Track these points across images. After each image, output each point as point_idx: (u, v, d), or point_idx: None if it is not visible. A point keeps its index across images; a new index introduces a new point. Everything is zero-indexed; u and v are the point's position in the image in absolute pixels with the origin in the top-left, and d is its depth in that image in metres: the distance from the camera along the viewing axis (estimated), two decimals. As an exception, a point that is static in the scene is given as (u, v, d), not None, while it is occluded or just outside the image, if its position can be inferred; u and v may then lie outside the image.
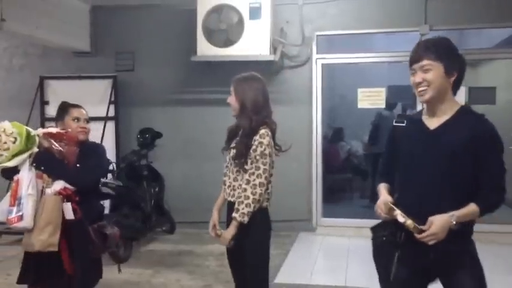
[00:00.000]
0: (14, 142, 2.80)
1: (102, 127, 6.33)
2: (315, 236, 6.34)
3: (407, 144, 2.30)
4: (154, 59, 6.77)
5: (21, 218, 2.79)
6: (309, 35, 6.43)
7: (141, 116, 6.73)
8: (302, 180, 6.49)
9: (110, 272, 4.90)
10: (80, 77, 6.75)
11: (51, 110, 6.77)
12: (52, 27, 5.99)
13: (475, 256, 2.25)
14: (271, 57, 6.10)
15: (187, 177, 6.64)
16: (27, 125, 5.61)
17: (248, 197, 2.73)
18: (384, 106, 6.95)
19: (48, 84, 6.84)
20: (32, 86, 6.78)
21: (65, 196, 2.91)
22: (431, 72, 2.19)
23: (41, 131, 2.97)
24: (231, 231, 2.79)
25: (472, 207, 2.14)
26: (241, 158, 2.80)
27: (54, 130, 3.01)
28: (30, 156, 2.85)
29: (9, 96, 7.08)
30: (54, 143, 2.93)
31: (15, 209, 2.80)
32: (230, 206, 2.90)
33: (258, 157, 2.76)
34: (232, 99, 2.92)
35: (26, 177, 2.82)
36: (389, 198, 2.27)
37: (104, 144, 6.15)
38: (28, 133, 2.84)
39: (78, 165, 3.00)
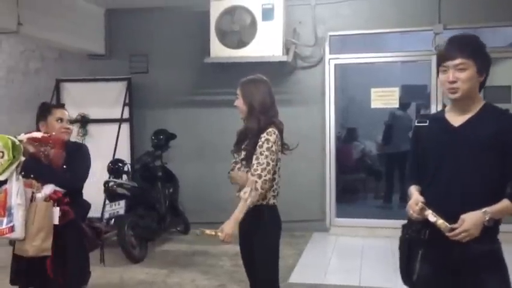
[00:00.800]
0: (2, 157, 2.78)
1: (117, 129, 6.40)
2: (329, 236, 6.34)
3: (432, 143, 2.29)
4: (168, 61, 6.82)
5: (12, 229, 2.79)
6: (321, 35, 6.43)
7: (155, 117, 6.78)
8: (316, 181, 6.49)
9: (126, 272, 5.00)
10: (95, 80, 6.83)
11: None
12: (67, 30, 6.08)
13: (500, 257, 2.22)
14: (284, 58, 6.11)
15: (201, 178, 6.67)
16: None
17: (257, 189, 2.75)
18: (397, 106, 6.91)
19: (64, 87, 6.93)
20: (48, 89, 6.86)
21: (55, 200, 2.93)
22: (467, 71, 2.17)
23: (24, 136, 2.96)
24: (237, 215, 2.75)
25: (505, 203, 2.12)
26: (250, 158, 2.83)
27: (39, 134, 3.00)
28: (18, 166, 2.83)
29: (26, 99, 7.18)
30: (40, 148, 2.94)
31: (5, 219, 2.79)
32: None
33: (265, 152, 2.78)
34: (239, 102, 2.95)
35: (14, 187, 2.80)
36: (420, 198, 2.25)
37: (118, 145, 6.30)
38: (13, 143, 2.82)
39: (64, 166, 3.03)
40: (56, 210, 2.93)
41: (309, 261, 5.35)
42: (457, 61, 2.16)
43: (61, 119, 3.14)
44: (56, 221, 2.93)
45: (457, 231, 2.09)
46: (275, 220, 2.92)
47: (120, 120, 6.51)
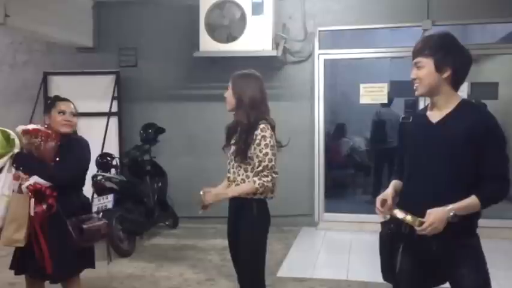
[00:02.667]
0: None
1: (105, 122, 6.36)
2: (317, 231, 6.37)
3: (412, 139, 2.36)
4: (157, 55, 6.79)
5: None
6: (311, 30, 6.44)
7: (144, 111, 6.75)
8: (304, 176, 6.51)
9: (114, 266, 4.98)
10: (83, 73, 6.77)
11: (55, 106, 6.82)
12: (55, 23, 6.02)
13: (478, 250, 2.26)
14: (274, 53, 6.11)
15: (190, 172, 6.66)
16: (31, 121, 5.64)
17: (269, 182, 2.81)
18: (386, 101, 6.92)
19: (51, 80, 6.86)
20: (36, 82, 6.80)
21: (31, 191, 2.94)
22: (423, 69, 2.26)
23: (19, 128, 3.01)
24: (230, 192, 2.87)
25: (471, 199, 2.15)
26: (242, 154, 2.84)
27: (30, 127, 3.05)
28: (11, 157, 2.92)
29: (12, 92, 7.12)
30: (31, 140, 2.99)
31: None
32: (233, 202, 2.93)
33: (264, 150, 2.80)
34: (229, 94, 2.95)
35: (3, 179, 2.89)
36: (389, 194, 2.32)
37: (107, 139, 6.26)
38: (7, 136, 2.88)
39: (57, 159, 3.07)
40: (32, 201, 2.95)
41: (297, 255, 5.37)
42: (416, 59, 2.29)
43: (63, 112, 3.18)
44: (32, 212, 2.95)
45: (423, 226, 2.13)
46: (264, 214, 2.92)
47: (108, 114, 6.47)
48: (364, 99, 6.57)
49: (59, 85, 6.79)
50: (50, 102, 3.26)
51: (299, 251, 5.52)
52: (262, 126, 2.83)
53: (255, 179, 2.80)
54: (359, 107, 7.48)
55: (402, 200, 2.31)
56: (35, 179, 2.96)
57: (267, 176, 2.80)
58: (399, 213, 2.21)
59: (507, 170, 2.21)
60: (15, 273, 3.25)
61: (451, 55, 2.23)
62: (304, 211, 6.51)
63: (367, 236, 5.78)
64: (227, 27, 6.11)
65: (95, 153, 5.76)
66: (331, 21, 6.43)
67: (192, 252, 5.47)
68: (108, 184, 5.33)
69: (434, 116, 2.29)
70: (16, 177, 2.95)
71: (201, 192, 2.92)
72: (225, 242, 3.07)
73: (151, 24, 6.77)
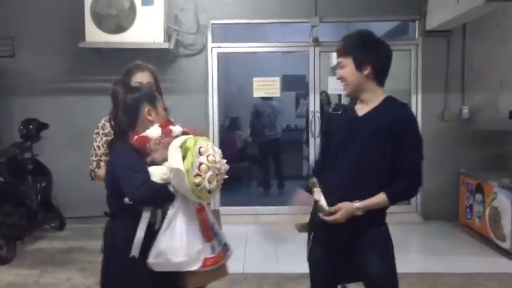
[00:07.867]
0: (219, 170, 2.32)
1: (-21, 118, 5.80)
2: (213, 225, 6.33)
3: (337, 130, 2.39)
4: (38, 45, 6.29)
5: (226, 249, 2.37)
6: (203, 23, 6.37)
7: (24, 106, 6.24)
8: (199, 170, 6.44)
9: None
10: (-50, 63, 6.11)
11: None
12: None
13: (386, 238, 2.33)
14: (166, 45, 5.97)
15: (77, 170, 6.17)
16: None
17: None
18: (278, 95, 7.06)
19: None
20: None
21: None
22: (345, 68, 2.29)
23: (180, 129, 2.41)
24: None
25: (380, 197, 2.22)
26: None
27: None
28: None
29: None
30: None
31: (215, 242, 2.32)
32: None
33: None
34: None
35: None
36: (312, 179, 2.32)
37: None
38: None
39: None
40: None
41: (193, 251, 5.29)
42: (338, 60, 2.33)
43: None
44: None
45: (331, 217, 2.20)
46: None
47: (-19, 109, 5.91)
48: (258, 93, 6.74)
49: None
50: (153, 94, 2.49)
51: (195, 247, 5.45)
52: None
53: None
54: (254, 101, 7.57)
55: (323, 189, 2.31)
56: None
57: None
58: (317, 194, 2.23)
59: (419, 167, 2.28)
60: None
61: (368, 52, 2.26)
62: (200, 206, 6.44)
63: (262, 227, 5.87)
64: (115, 17, 5.84)
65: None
66: (224, 14, 6.41)
67: (80, 255, 5.15)
68: (-17, 186, 4.86)
69: (362, 110, 2.33)
70: None
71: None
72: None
73: (31, 11, 6.26)
